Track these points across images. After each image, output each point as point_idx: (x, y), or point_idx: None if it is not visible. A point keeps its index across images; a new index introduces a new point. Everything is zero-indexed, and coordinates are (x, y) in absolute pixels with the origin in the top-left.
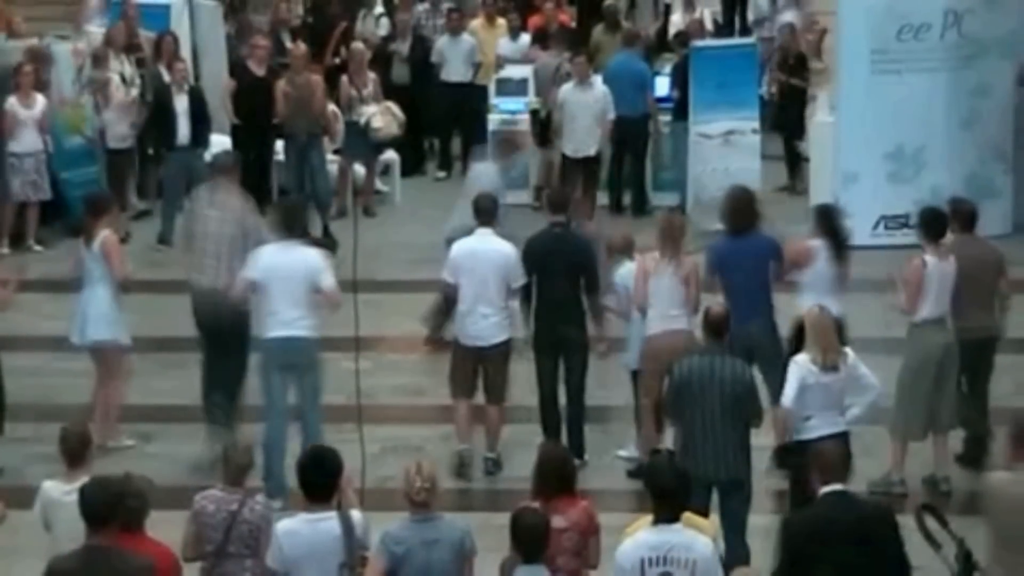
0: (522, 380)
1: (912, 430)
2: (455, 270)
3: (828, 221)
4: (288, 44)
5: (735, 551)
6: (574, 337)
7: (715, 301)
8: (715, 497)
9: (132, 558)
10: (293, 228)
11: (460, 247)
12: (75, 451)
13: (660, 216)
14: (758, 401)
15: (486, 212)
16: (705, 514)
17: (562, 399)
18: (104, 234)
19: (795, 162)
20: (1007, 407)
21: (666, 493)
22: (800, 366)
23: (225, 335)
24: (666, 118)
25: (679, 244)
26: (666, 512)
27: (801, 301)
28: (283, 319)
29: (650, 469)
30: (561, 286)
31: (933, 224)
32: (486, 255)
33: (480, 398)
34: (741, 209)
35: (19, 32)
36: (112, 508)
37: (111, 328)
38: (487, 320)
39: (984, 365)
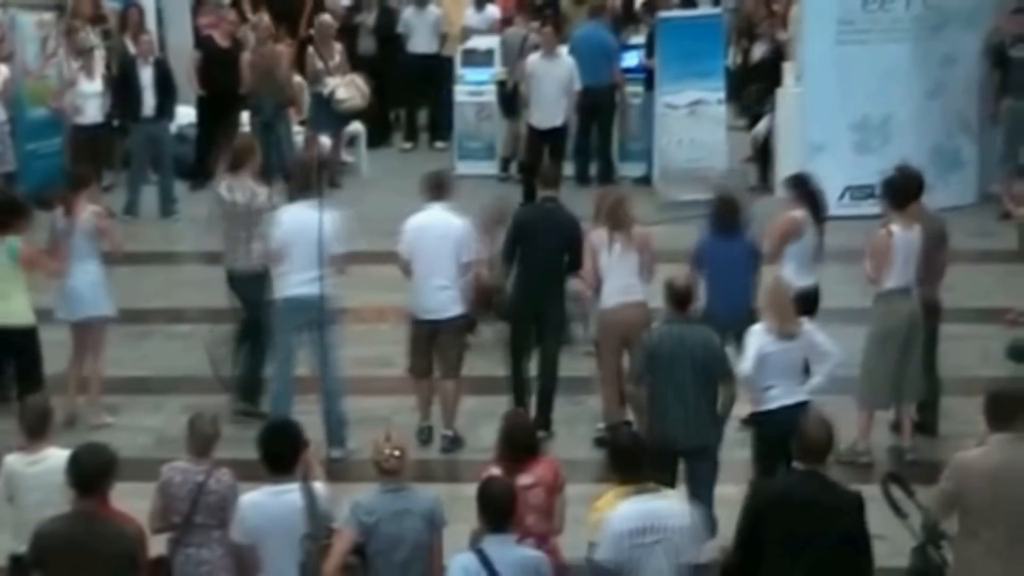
0: (489, 351)
1: (878, 400)
2: (408, 244)
3: (805, 189)
4: (249, 15)
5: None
6: (554, 312)
7: (680, 272)
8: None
9: (123, 526)
10: (311, 186)
11: (412, 222)
12: (36, 424)
13: (598, 194)
14: (727, 364)
15: (438, 187)
16: (672, 483)
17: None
18: (91, 209)
19: None
20: (974, 377)
21: (644, 463)
22: (757, 335)
23: (255, 309)
24: (636, 88)
25: (622, 218)
26: (645, 481)
27: (784, 272)
28: (297, 279)
29: (620, 441)
30: (546, 260)
31: (899, 193)
32: (438, 229)
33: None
34: (728, 212)
35: None
36: (103, 474)
37: (103, 302)
38: (443, 292)
39: (930, 334)
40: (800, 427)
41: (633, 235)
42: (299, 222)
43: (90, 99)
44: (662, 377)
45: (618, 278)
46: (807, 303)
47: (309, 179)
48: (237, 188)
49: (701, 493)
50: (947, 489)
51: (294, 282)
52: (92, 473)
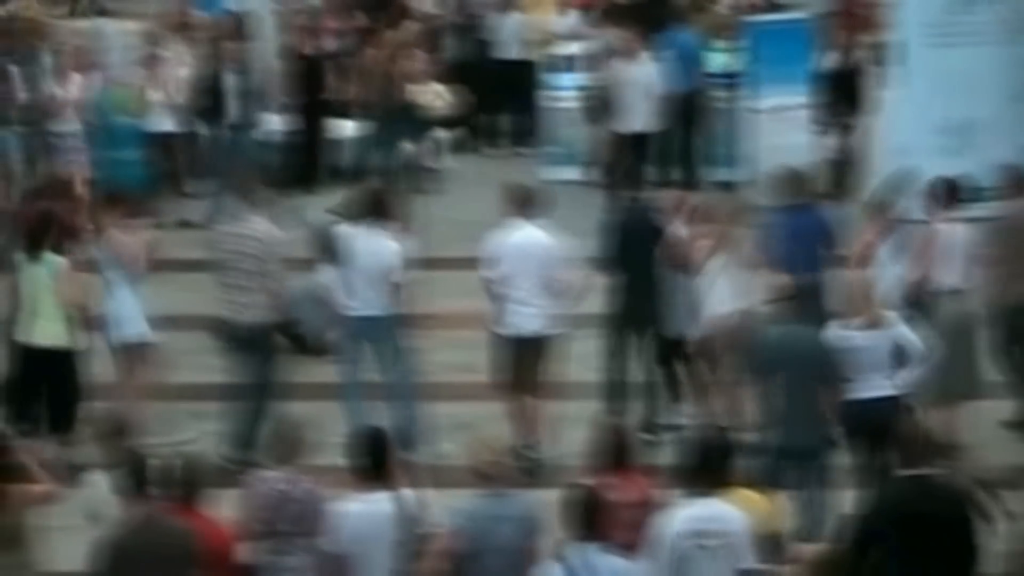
0: (578, 357)
1: (931, 400)
2: (493, 263)
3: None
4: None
5: (808, 524)
6: (652, 315)
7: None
8: None
9: (173, 523)
10: (378, 213)
11: (495, 239)
12: (114, 440)
13: (714, 204)
14: (837, 367)
15: (524, 202)
16: (776, 484)
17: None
18: (120, 234)
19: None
20: None
21: (698, 467)
22: (836, 329)
23: (254, 369)
24: (722, 93)
25: (731, 228)
26: (700, 486)
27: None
28: (360, 299)
29: (684, 445)
30: (640, 261)
31: (944, 194)
32: (526, 247)
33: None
34: (794, 184)
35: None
36: (143, 477)
37: (137, 325)
38: (532, 311)
39: (1019, 333)
40: (901, 432)
41: (739, 244)
42: (356, 247)
43: (157, 108)
44: (771, 378)
45: (723, 286)
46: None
47: (379, 204)
48: (246, 232)
49: (809, 495)
50: None
51: (356, 300)
52: (133, 478)
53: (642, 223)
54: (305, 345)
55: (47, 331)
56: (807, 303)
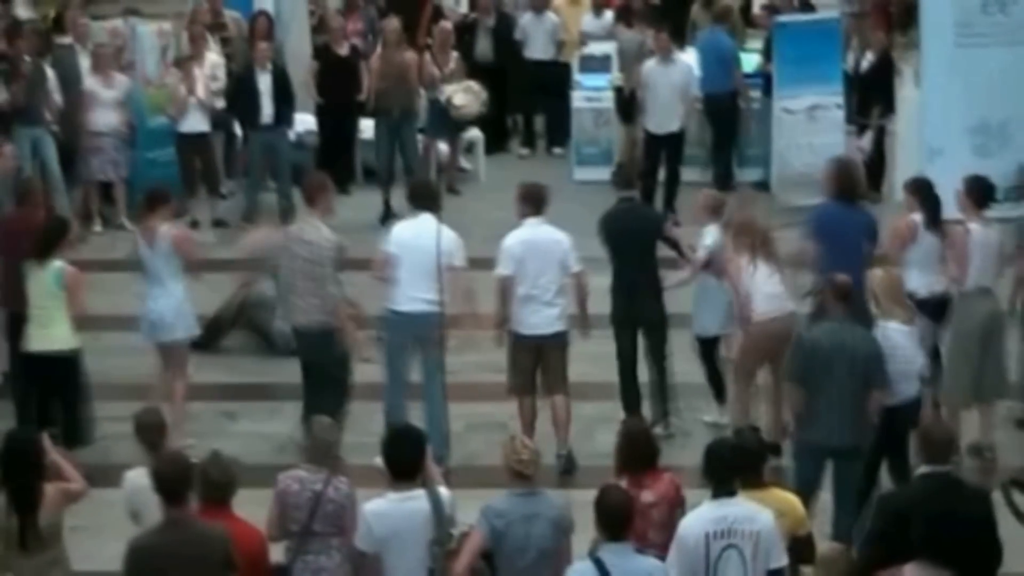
0: (603, 357)
1: (959, 399)
2: (512, 262)
3: (924, 194)
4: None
5: (843, 523)
6: (651, 312)
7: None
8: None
9: (208, 527)
10: (429, 204)
11: (514, 239)
12: (154, 438)
13: (736, 219)
14: (885, 368)
15: (537, 201)
16: (815, 484)
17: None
18: (167, 229)
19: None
20: None
21: (723, 468)
22: (897, 333)
23: (323, 371)
24: (754, 93)
25: (763, 236)
26: (724, 487)
27: (908, 279)
28: (409, 294)
29: (716, 444)
30: (634, 260)
31: (978, 193)
32: (541, 245)
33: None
34: (848, 179)
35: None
36: (184, 481)
37: (184, 325)
38: (548, 308)
39: None
40: (923, 429)
41: (774, 250)
42: (413, 236)
43: (189, 107)
44: (819, 377)
45: (765, 291)
46: (939, 310)
47: (429, 195)
48: (303, 235)
49: (846, 494)
50: None
51: (405, 297)
52: (172, 482)
53: (635, 222)
54: (276, 345)
55: (58, 336)
56: (853, 301)
